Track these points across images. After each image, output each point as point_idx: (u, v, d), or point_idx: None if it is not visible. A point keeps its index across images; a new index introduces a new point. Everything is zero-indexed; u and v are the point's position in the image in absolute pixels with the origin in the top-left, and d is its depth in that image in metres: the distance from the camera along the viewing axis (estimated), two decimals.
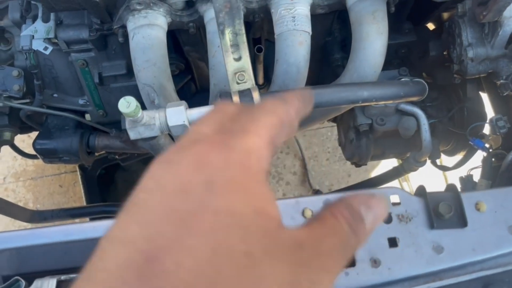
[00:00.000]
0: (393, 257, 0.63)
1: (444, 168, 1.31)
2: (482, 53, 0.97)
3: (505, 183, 0.97)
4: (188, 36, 1.13)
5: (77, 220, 1.54)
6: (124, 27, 1.00)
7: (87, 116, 1.28)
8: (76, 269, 0.66)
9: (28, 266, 0.70)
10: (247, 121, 0.32)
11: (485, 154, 1.10)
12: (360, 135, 1.21)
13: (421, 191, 0.68)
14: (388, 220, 0.65)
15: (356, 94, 0.80)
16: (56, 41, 1.09)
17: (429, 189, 0.73)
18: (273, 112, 0.35)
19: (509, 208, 0.65)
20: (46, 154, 1.28)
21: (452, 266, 0.62)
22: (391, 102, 0.90)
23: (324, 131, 2.37)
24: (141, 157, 1.73)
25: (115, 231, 0.26)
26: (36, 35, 1.09)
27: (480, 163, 1.14)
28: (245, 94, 0.78)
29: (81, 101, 1.26)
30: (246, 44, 0.81)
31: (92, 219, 1.57)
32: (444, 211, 0.63)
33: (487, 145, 1.10)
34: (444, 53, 1.17)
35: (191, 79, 1.36)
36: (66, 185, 2.29)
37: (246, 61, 0.81)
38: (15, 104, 1.15)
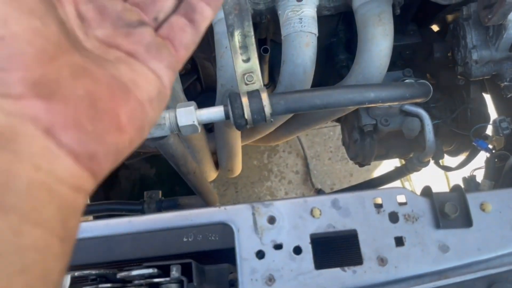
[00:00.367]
0: (400, 256, 0.64)
1: (447, 169, 1.32)
2: (486, 56, 0.98)
3: (509, 184, 0.98)
4: None
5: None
6: None
7: None
8: (89, 266, 0.68)
9: None
10: None
11: (488, 155, 1.11)
12: (364, 135, 1.23)
13: (427, 192, 0.70)
14: (395, 219, 0.67)
15: (363, 95, 0.82)
16: None
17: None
18: None
19: None
20: None
21: (457, 265, 0.64)
22: (396, 103, 0.91)
23: (326, 131, 2.38)
24: (144, 155, 1.74)
25: None
26: None
27: (482, 164, 1.15)
28: (253, 95, 0.80)
29: None
30: (254, 46, 0.82)
31: (96, 217, 1.59)
32: (450, 211, 0.65)
33: (490, 146, 1.11)
34: (448, 54, 1.19)
35: (197, 79, 1.38)
36: None
37: (255, 62, 0.83)
38: None
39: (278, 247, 0.66)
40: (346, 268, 0.64)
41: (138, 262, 0.67)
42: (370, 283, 0.63)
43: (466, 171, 1.22)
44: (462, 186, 1.13)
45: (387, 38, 0.99)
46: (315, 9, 1.00)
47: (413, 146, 1.25)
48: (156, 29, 0.38)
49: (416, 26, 1.21)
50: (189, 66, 1.27)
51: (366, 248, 0.65)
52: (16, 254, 0.25)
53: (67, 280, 0.64)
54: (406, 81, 1.14)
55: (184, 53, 0.39)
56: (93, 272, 0.63)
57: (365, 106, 0.86)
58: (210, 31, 1.11)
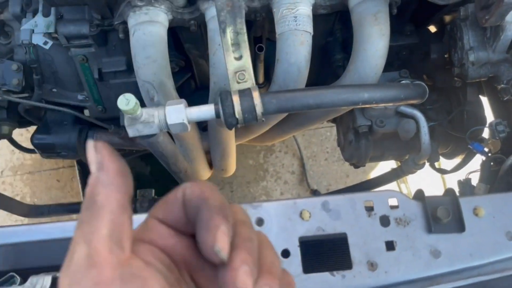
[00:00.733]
0: (390, 260, 0.63)
1: (442, 171, 1.31)
2: (483, 57, 0.96)
3: (504, 188, 0.97)
4: (189, 34, 1.12)
5: (74, 216, 1.54)
6: (125, 23, 0.99)
7: (86, 112, 1.28)
8: None
9: (23, 262, 0.69)
10: None
11: (484, 158, 1.10)
12: (359, 137, 1.21)
13: (419, 195, 0.68)
14: (386, 223, 0.65)
15: (357, 95, 0.80)
16: (56, 36, 1.09)
17: (427, 191, 0.73)
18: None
19: (507, 213, 0.65)
20: (44, 149, 1.27)
21: (449, 270, 0.62)
22: (391, 104, 0.90)
23: (323, 131, 2.37)
24: (139, 153, 1.72)
25: None
26: (36, 30, 1.08)
27: (478, 167, 1.14)
28: (245, 94, 0.78)
29: (80, 97, 1.26)
30: (247, 43, 0.81)
31: None
32: (442, 216, 0.63)
33: (486, 149, 1.10)
34: (445, 56, 1.17)
35: (191, 76, 1.36)
36: (63, 179, 2.29)
37: (247, 60, 0.81)
38: (13, 98, 1.15)
39: None
40: (335, 272, 0.62)
41: None
42: None
43: (461, 174, 1.21)
44: (457, 189, 1.12)
45: (383, 38, 0.98)
46: (311, 8, 0.98)
47: (409, 148, 1.23)
48: None
49: (414, 27, 1.19)
50: (183, 63, 1.25)
51: (356, 252, 0.63)
52: None
53: (48, 280, 0.63)
54: (402, 82, 1.13)
55: None
56: None
57: (359, 106, 0.85)
58: (204, 28, 1.09)
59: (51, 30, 1.08)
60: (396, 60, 1.23)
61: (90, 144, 0.36)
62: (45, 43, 1.09)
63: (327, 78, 1.32)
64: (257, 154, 2.33)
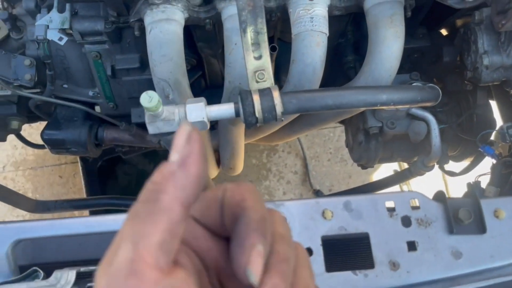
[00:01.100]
0: (412, 260, 0.64)
1: (451, 174, 1.32)
2: (497, 61, 0.97)
3: None
4: (203, 32, 1.12)
5: (79, 212, 1.53)
6: (141, 20, 0.99)
7: (97, 108, 1.28)
8: (94, 261, 0.66)
9: (45, 256, 0.70)
10: None
11: (494, 161, 1.11)
12: (370, 138, 1.22)
13: (440, 196, 0.69)
14: (408, 223, 0.66)
15: (376, 97, 0.81)
16: (71, 32, 1.09)
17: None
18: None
19: None
20: (54, 145, 1.27)
21: (470, 271, 0.63)
22: (407, 106, 0.90)
23: (326, 132, 2.37)
24: (143, 150, 1.72)
25: None
26: (51, 25, 1.08)
27: (485, 170, 1.15)
28: (265, 93, 0.78)
29: (91, 93, 1.26)
30: (267, 43, 0.81)
31: (92, 212, 1.57)
32: (464, 217, 0.64)
33: (496, 153, 1.11)
34: (457, 59, 1.18)
35: (202, 75, 1.36)
36: (66, 176, 2.28)
37: (267, 60, 0.81)
38: (25, 93, 1.14)
39: None
40: (357, 271, 0.63)
41: None
42: (381, 287, 0.62)
43: (468, 177, 1.22)
44: (466, 191, 1.13)
45: (399, 41, 0.98)
46: (327, 9, 0.99)
47: (418, 150, 1.24)
48: None
49: (426, 30, 1.20)
50: (195, 62, 1.26)
51: (378, 251, 0.64)
52: None
53: (73, 275, 0.63)
54: (414, 84, 1.13)
55: None
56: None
57: (376, 108, 0.85)
58: (218, 27, 1.10)
59: (66, 26, 1.08)
60: (407, 63, 1.24)
61: (185, 128, 0.31)
62: (60, 39, 1.09)
63: (337, 79, 1.33)
64: (260, 154, 2.34)
